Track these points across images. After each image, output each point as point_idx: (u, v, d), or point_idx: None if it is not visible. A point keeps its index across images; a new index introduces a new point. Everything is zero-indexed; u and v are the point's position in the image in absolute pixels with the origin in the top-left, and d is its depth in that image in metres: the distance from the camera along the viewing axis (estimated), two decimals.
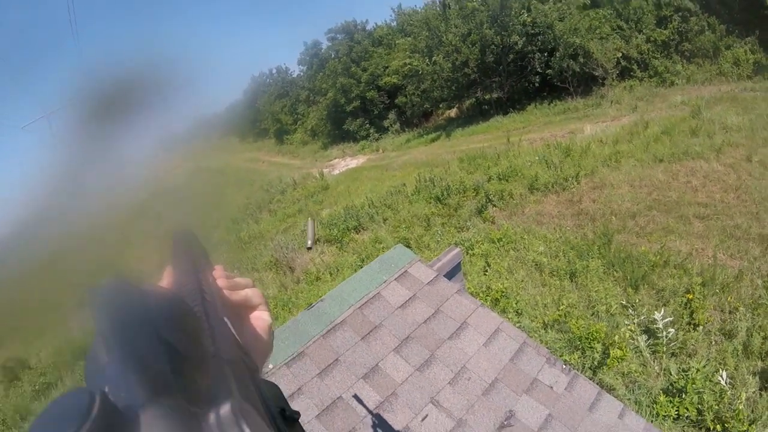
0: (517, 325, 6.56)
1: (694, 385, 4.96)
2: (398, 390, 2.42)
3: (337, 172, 26.41)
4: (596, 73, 21.00)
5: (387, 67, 32.40)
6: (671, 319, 6.03)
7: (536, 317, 7.05)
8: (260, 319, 0.68)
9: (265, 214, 20.87)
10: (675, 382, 5.16)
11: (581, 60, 20.91)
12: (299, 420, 0.63)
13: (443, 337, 2.71)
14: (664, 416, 4.90)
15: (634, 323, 6.17)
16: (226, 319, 0.53)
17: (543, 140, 16.75)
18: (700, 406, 4.89)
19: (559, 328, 6.62)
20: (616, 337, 5.82)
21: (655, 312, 5.98)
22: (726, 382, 5.00)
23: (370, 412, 2.32)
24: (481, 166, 15.51)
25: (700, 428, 4.84)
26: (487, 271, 8.70)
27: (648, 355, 5.83)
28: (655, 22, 20.82)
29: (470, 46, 24.49)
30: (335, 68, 34.69)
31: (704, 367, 5.21)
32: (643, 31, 20.90)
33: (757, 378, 5.24)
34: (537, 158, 13.83)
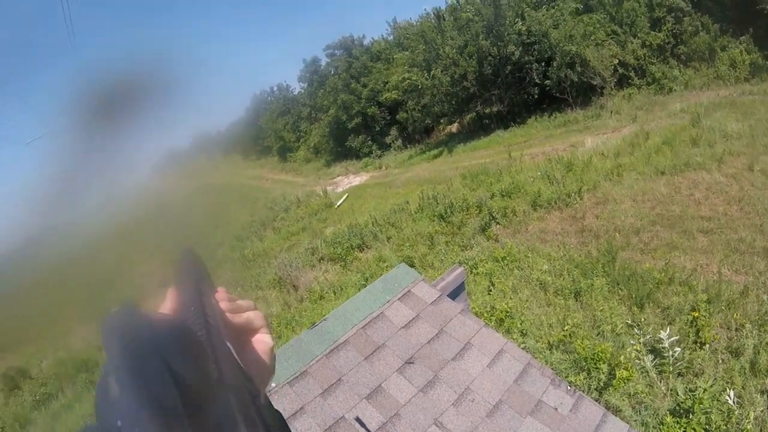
0: (522, 345, 6.51)
1: (701, 406, 4.89)
2: (401, 411, 2.41)
3: (340, 189, 26.50)
4: (594, 83, 21.11)
5: (387, 83, 32.58)
6: (677, 337, 5.97)
7: (541, 337, 6.99)
8: (262, 342, 0.67)
9: (269, 232, 20.92)
10: (682, 403, 5.09)
11: (579, 69, 21.04)
12: None
13: (447, 358, 2.70)
14: None
15: (639, 343, 6.11)
16: (228, 344, 0.53)
17: (544, 154, 16.80)
18: (707, 427, 4.81)
19: (565, 349, 6.55)
20: (622, 357, 5.76)
21: (661, 331, 5.92)
22: (734, 402, 4.93)
23: None
24: (483, 183, 15.55)
25: None
26: (491, 290, 8.66)
27: (654, 375, 5.76)
28: (648, 24, 20.99)
29: (467, 58, 24.70)
30: (335, 85, 34.95)
31: (711, 386, 5.14)
32: (638, 35, 21.04)
33: (765, 397, 5.16)
34: (539, 173, 13.86)
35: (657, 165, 11.93)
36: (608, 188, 11.66)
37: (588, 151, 14.96)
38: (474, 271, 9.42)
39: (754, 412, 4.91)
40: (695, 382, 5.38)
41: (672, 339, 5.80)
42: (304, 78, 42.59)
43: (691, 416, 4.90)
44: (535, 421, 2.43)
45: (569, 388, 2.64)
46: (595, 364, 5.85)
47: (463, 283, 3.64)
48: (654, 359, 5.87)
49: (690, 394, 5.17)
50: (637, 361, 5.89)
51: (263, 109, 49.99)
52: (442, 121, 29.87)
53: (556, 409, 2.50)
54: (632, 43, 21.04)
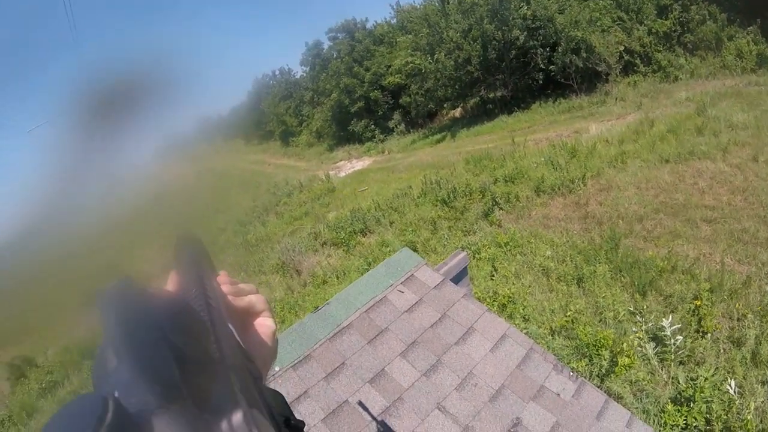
0: (525, 331, 6.53)
1: (702, 395, 4.90)
2: (404, 395, 2.41)
3: (343, 174, 26.42)
4: (599, 69, 20.83)
5: (390, 66, 32.16)
6: (679, 326, 5.97)
7: (543, 323, 7.00)
8: (264, 325, 0.67)
9: (272, 217, 20.91)
10: (683, 391, 5.10)
11: (584, 55, 20.74)
12: (304, 429, 0.63)
13: (450, 342, 2.69)
14: (672, 426, 4.84)
15: (642, 330, 6.11)
16: (230, 326, 0.53)
17: (548, 140, 16.68)
18: (708, 416, 4.83)
19: (567, 335, 6.57)
20: (624, 345, 5.77)
21: (663, 319, 5.92)
22: (735, 391, 4.94)
23: (375, 418, 2.30)
24: (487, 168, 15.46)
25: None
26: (494, 275, 8.67)
27: (656, 363, 5.77)
28: (655, 12, 20.68)
29: (471, 42, 24.33)
30: (338, 68, 34.53)
31: (713, 375, 5.15)
32: (644, 22, 20.73)
33: (765, 387, 5.17)
34: (543, 159, 13.76)
35: (661, 153, 11.84)
36: (612, 175, 11.59)
37: (592, 137, 14.83)
38: (477, 256, 9.42)
39: (754, 402, 4.92)
40: (696, 371, 5.39)
41: (674, 327, 5.80)
42: (306, 62, 42.10)
43: (692, 405, 4.92)
44: (538, 406, 2.43)
45: (571, 374, 2.63)
46: (597, 350, 5.87)
47: (465, 267, 3.63)
48: (656, 347, 5.88)
49: (691, 382, 5.18)
50: (638, 348, 5.90)
51: (265, 93, 49.63)
52: (445, 105, 29.58)
53: (558, 394, 2.50)
54: (638, 30, 20.73)
